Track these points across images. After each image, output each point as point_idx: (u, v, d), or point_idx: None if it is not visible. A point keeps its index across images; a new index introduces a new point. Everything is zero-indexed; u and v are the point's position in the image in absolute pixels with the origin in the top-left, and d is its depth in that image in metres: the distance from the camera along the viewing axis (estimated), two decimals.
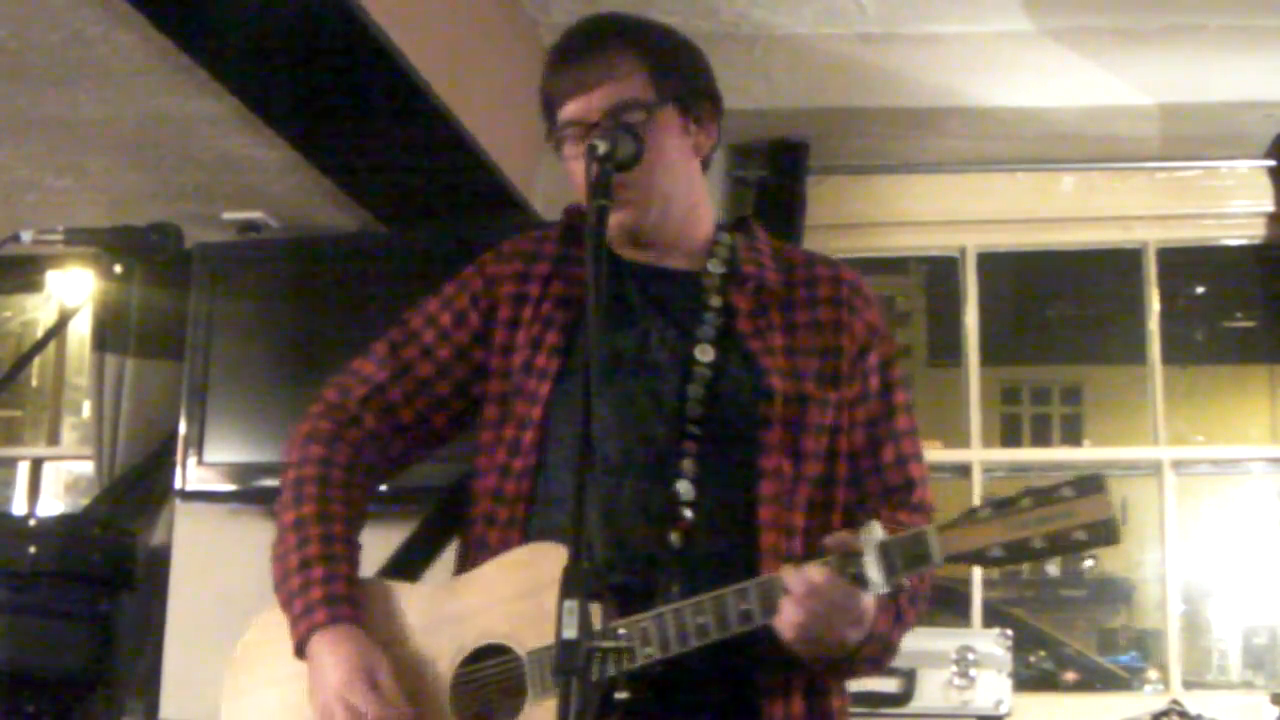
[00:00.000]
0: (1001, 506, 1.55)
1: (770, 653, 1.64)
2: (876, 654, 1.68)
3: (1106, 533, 1.52)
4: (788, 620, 1.57)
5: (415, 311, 1.90)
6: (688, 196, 1.83)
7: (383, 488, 1.92)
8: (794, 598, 1.56)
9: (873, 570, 1.55)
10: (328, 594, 1.71)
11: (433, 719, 1.69)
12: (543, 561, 1.65)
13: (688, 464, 1.71)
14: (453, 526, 1.92)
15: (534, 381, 1.78)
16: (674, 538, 1.68)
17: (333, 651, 1.68)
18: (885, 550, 1.55)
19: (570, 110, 1.77)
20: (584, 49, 1.80)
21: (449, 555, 1.94)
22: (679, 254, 1.84)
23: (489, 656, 1.68)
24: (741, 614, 1.57)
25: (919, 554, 1.56)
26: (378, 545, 1.91)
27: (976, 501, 3.23)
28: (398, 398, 1.85)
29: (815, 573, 1.56)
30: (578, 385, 1.70)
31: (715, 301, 1.80)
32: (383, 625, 1.75)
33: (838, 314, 1.81)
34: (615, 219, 1.69)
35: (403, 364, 1.86)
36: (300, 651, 1.72)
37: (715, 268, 1.83)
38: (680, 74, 1.82)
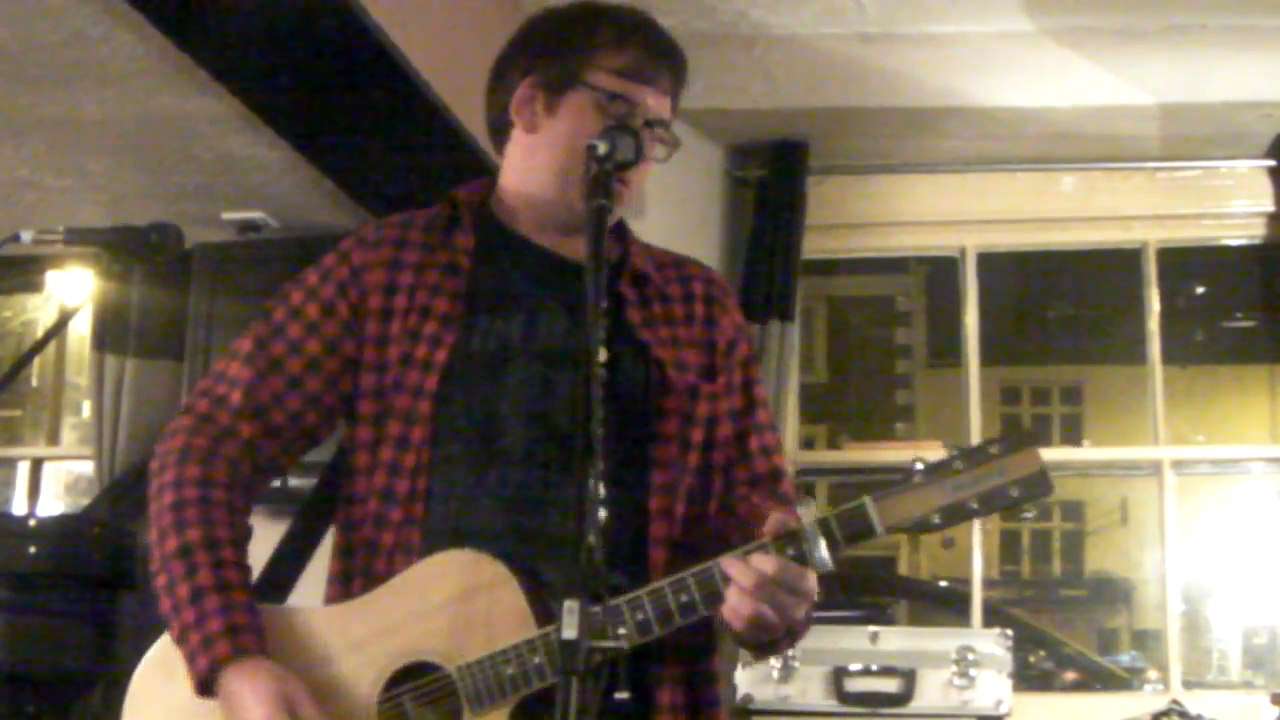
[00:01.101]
0: (934, 471, 1.55)
1: (660, 644, 1.62)
2: (803, 626, 1.67)
3: (1038, 486, 1.54)
4: (738, 612, 1.55)
5: (277, 303, 1.80)
6: None
7: None
8: (744, 590, 1.54)
9: (817, 549, 1.55)
10: (228, 625, 1.61)
11: None
12: (456, 572, 1.61)
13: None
14: (322, 529, 1.86)
15: (416, 374, 1.71)
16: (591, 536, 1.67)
17: (248, 685, 1.58)
18: (826, 527, 1.56)
19: (653, 104, 1.78)
20: (668, 52, 1.81)
21: (320, 560, 1.85)
22: (578, 245, 1.78)
23: (413, 675, 1.62)
24: (683, 606, 1.56)
25: (861, 527, 1.56)
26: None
27: None
28: (267, 398, 1.75)
29: (764, 562, 1.54)
30: (473, 376, 1.70)
31: (602, 303, 1.80)
32: (294, 653, 1.64)
33: (710, 310, 1.84)
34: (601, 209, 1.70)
35: (271, 361, 1.76)
36: (205, 689, 1.62)
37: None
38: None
